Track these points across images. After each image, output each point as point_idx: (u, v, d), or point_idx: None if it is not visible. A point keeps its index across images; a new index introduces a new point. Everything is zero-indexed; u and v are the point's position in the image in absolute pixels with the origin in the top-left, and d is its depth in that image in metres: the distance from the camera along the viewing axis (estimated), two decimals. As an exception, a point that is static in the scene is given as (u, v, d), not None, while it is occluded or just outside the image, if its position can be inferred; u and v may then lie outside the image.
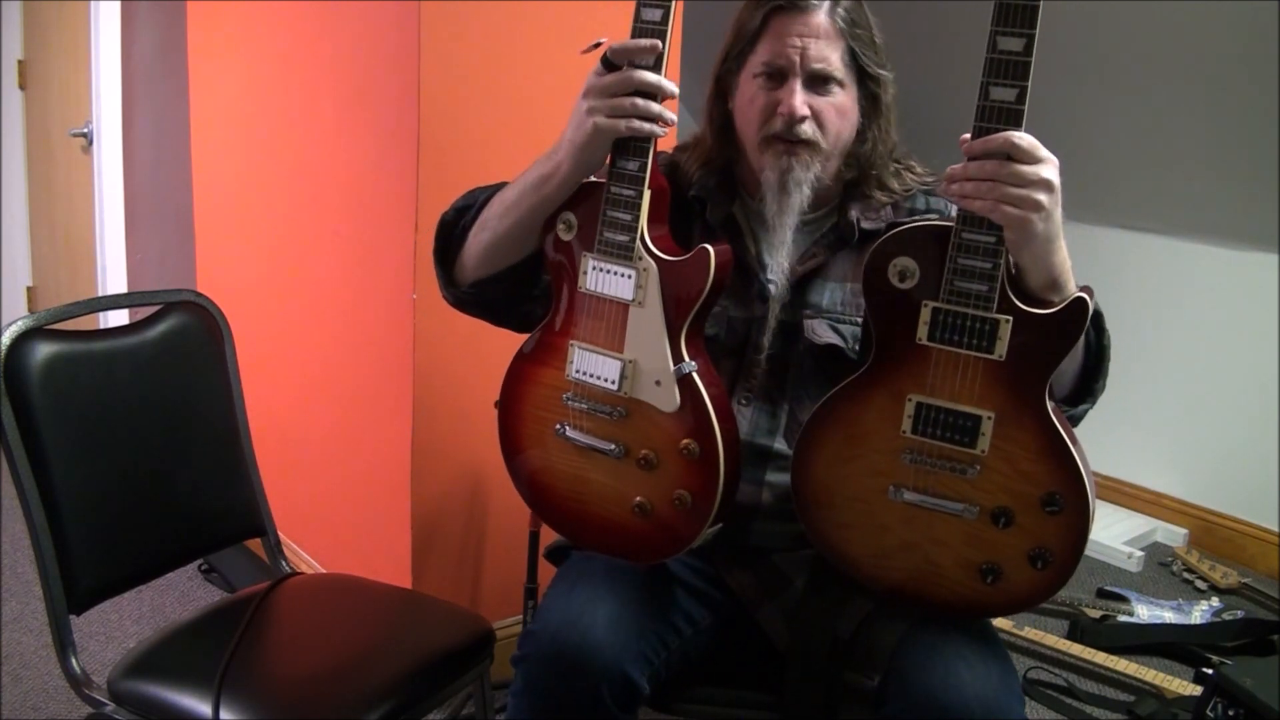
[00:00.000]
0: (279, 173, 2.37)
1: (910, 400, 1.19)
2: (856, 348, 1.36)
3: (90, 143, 3.33)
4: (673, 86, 1.23)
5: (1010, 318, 1.13)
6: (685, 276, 1.24)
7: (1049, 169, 1.09)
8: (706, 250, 1.23)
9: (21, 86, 3.84)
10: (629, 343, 1.28)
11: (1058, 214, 1.11)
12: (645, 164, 1.23)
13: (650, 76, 1.21)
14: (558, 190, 1.29)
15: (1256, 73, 2.76)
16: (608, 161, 1.26)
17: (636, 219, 1.24)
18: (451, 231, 1.41)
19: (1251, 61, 2.75)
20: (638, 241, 1.25)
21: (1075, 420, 1.27)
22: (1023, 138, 1.07)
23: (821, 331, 1.37)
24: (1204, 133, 3.02)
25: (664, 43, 1.21)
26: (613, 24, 2.05)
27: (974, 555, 1.21)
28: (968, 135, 1.10)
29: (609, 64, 1.22)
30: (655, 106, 1.21)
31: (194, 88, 2.64)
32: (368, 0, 2.01)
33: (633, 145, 1.24)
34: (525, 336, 1.39)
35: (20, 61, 3.81)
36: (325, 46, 2.17)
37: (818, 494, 1.27)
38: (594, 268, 1.28)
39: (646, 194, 1.24)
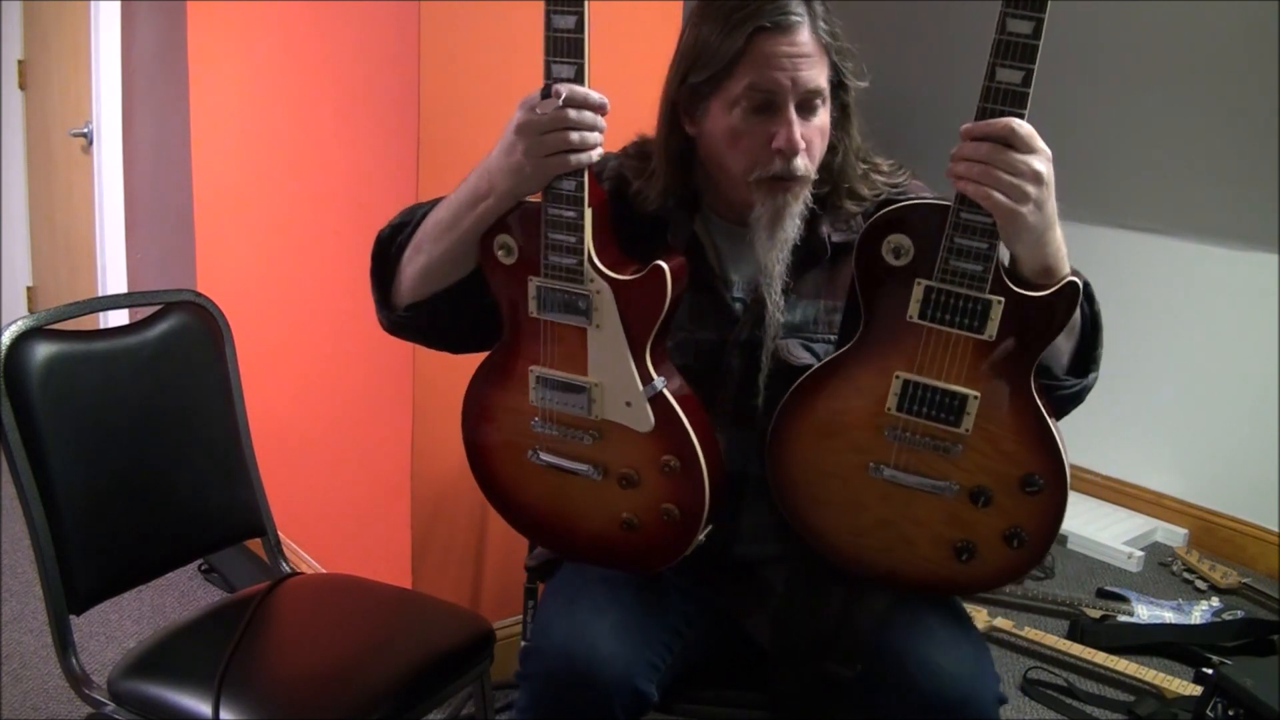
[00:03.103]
0: (279, 173, 2.37)
1: (898, 377, 1.20)
2: None
3: (90, 143, 3.33)
4: (598, 119, 1.18)
5: (1002, 299, 1.13)
6: (642, 296, 1.20)
7: (1041, 161, 1.08)
8: (661, 268, 1.19)
9: (21, 86, 3.84)
10: (592, 366, 1.24)
11: (1050, 206, 1.11)
12: (582, 183, 1.19)
13: (587, 115, 1.16)
14: (492, 210, 1.23)
15: (1256, 72, 2.77)
16: None
17: (581, 240, 1.20)
18: (388, 249, 1.34)
19: (1251, 61, 2.76)
20: (586, 263, 1.20)
21: (1087, 390, 1.26)
22: (1022, 125, 1.07)
23: (796, 352, 1.33)
24: (1204, 132, 3.02)
25: (582, 53, 1.15)
26: (612, 24, 2.05)
27: (950, 533, 1.22)
28: (966, 125, 1.10)
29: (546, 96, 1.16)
30: (592, 137, 1.17)
31: (194, 88, 2.64)
32: (368, 0, 2.01)
33: None
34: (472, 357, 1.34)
35: (20, 61, 3.81)
36: (325, 46, 2.17)
37: (795, 470, 1.27)
38: (543, 292, 1.24)
39: (588, 213, 1.20)
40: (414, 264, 1.31)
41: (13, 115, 3.84)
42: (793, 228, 1.27)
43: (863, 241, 1.20)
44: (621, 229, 1.29)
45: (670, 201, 1.33)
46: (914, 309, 1.17)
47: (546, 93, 1.16)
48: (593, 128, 1.17)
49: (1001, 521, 1.20)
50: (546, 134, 1.16)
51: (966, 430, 1.18)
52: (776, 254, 1.28)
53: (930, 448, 1.20)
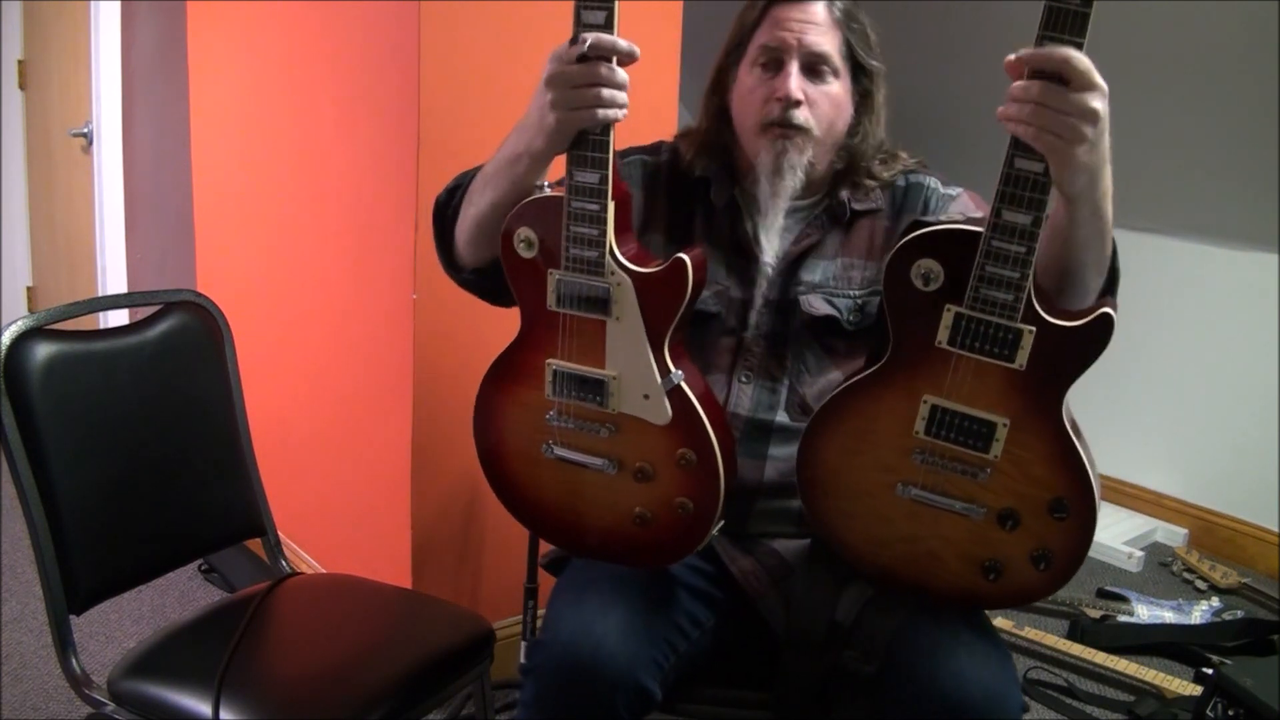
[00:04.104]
0: (279, 173, 2.37)
1: (925, 402, 1.19)
2: (851, 319, 1.39)
3: (90, 143, 3.33)
4: (626, 79, 1.19)
5: (1034, 328, 1.12)
6: (663, 288, 1.22)
7: (1098, 98, 1.04)
8: (683, 260, 1.21)
9: (21, 86, 3.84)
10: (610, 358, 1.25)
11: (1104, 144, 1.08)
12: (606, 175, 1.19)
13: (619, 73, 1.17)
14: (530, 169, 1.26)
15: (1257, 72, 2.76)
16: (565, 173, 1.23)
17: (603, 233, 1.21)
18: (445, 212, 1.41)
19: (1252, 61, 2.75)
20: (607, 256, 1.22)
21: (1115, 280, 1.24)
22: (1080, 59, 1.02)
23: (818, 304, 1.39)
24: (1205, 133, 3.02)
25: None
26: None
27: (977, 552, 1.21)
28: (1012, 56, 1.06)
29: (583, 56, 1.17)
30: (621, 96, 1.18)
31: (194, 88, 2.64)
32: (368, 0, 2.01)
33: (592, 157, 1.20)
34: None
35: (20, 61, 3.81)
36: (325, 46, 2.17)
37: (823, 482, 1.27)
38: (563, 285, 1.25)
39: (611, 206, 1.21)
40: (466, 217, 1.36)
41: (13, 115, 3.85)
42: (793, 180, 1.35)
43: (891, 265, 1.18)
44: (674, 191, 1.45)
45: (715, 165, 1.44)
46: (943, 335, 1.16)
47: (575, 41, 1.16)
48: (622, 86, 1.18)
49: (1029, 543, 1.19)
50: (577, 87, 1.17)
51: (995, 456, 1.17)
52: (779, 202, 1.36)
53: (958, 471, 1.19)
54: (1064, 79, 1.03)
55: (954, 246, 1.14)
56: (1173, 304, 3.22)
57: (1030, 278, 1.10)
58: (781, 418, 1.40)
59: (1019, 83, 1.06)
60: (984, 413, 1.16)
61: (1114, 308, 1.12)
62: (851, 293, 1.40)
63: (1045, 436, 1.15)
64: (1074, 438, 1.16)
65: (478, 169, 1.38)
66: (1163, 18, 2.83)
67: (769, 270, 1.41)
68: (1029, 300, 1.11)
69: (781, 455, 1.39)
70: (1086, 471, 1.15)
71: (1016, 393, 1.15)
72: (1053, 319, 1.11)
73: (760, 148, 1.36)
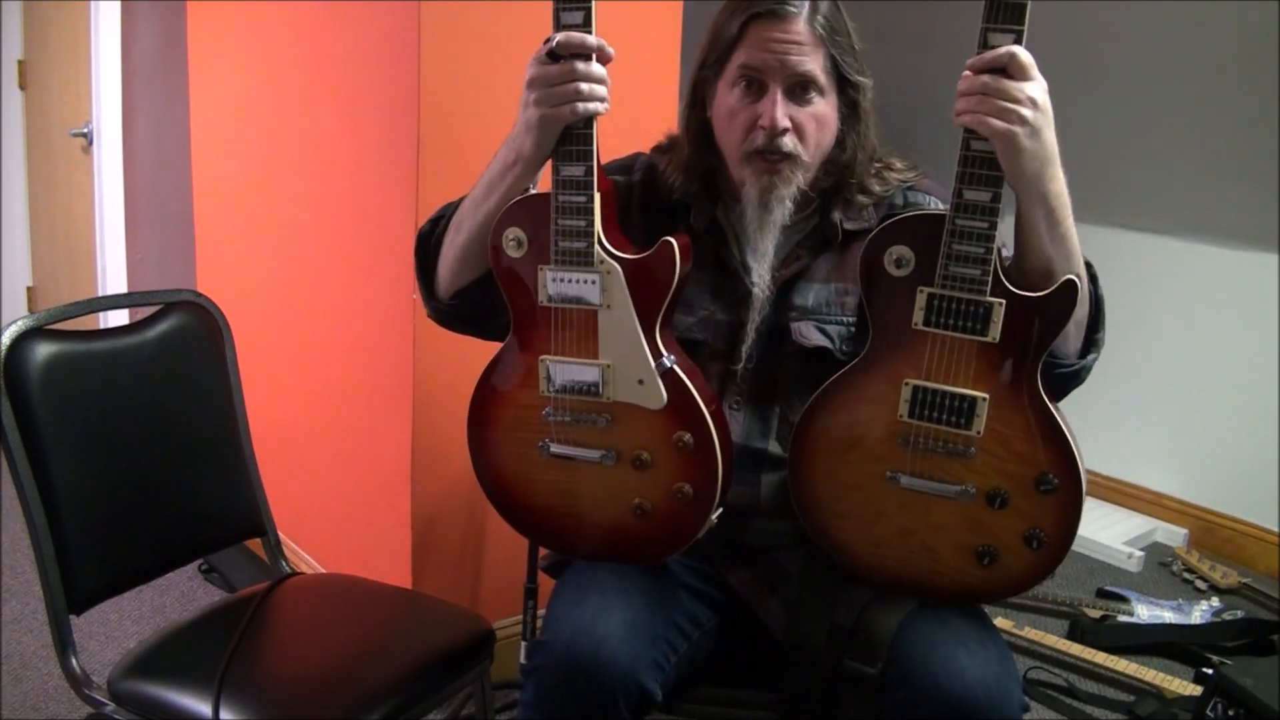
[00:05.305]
0: (279, 173, 2.37)
1: (907, 384, 1.22)
2: (844, 348, 1.36)
3: (90, 143, 3.33)
4: (603, 73, 1.23)
5: (1003, 301, 1.16)
6: (652, 272, 1.24)
7: (1037, 88, 1.12)
8: (669, 243, 1.24)
9: (21, 86, 3.84)
10: (603, 347, 1.27)
11: (1047, 136, 1.14)
12: (591, 167, 1.23)
13: (595, 68, 1.21)
14: (522, 175, 1.28)
15: (1256, 72, 2.77)
16: (550, 169, 1.26)
17: (591, 223, 1.24)
18: (428, 243, 1.40)
19: (1251, 61, 2.76)
20: (596, 246, 1.24)
21: (1085, 371, 1.29)
22: (1022, 53, 1.10)
23: (809, 334, 1.36)
24: (1204, 132, 3.02)
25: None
26: (611, 24, 2.05)
27: (970, 539, 1.23)
28: (970, 61, 1.13)
29: (553, 54, 1.22)
30: (600, 89, 1.22)
31: (194, 88, 2.64)
32: (368, 0, 2.01)
33: (576, 151, 1.23)
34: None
35: (20, 61, 3.81)
36: (325, 46, 2.17)
37: (815, 485, 1.29)
38: (553, 279, 1.26)
39: (597, 197, 1.23)
40: (454, 245, 1.36)
41: (13, 115, 3.85)
42: (781, 211, 1.32)
43: (865, 255, 1.23)
44: (649, 213, 1.41)
45: (694, 186, 1.40)
46: (918, 316, 1.20)
47: (547, 41, 1.21)
48: (600, 80, 1.22)
49: (1020, 523, 1.21)
50: (555, 86, 1.21)
51: (978, 432, 1.20)
52: (766, 233, 1.33)
53: (944, 452, 1.22)
54: (1008, 73, 1.11)
55: (922, 231, 1.20)
56: (1173, 304, 3.22)
57: (995, 253, 1.15)
58: (774, 448, 1.38)
59: (964, 80, 1.13)
60: (964, 389, 1.20)
61: (1081, 279, 1.17)
62: (845, 319, 1.37)
63: (1026, 411, 1.19)
64: (1053, 410, 1.19)
65: (461, 200, 1.37)
66: (1164, 17, 2.83)
67: (758, 295, 1.37)
68: (996, 275, 1.16)
69: (775, 481, 1.38)
70: (1069, 442, 1.18)
71: (993, 368, 1.19)
72: (1019, 290, 1.16)
73: (745, 177, 1.32)
